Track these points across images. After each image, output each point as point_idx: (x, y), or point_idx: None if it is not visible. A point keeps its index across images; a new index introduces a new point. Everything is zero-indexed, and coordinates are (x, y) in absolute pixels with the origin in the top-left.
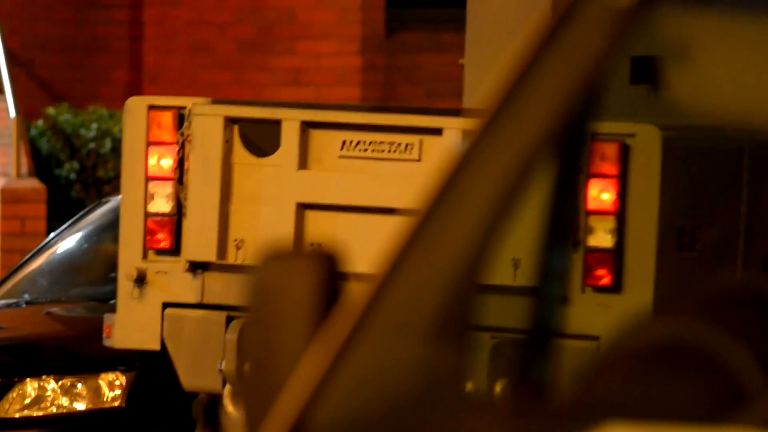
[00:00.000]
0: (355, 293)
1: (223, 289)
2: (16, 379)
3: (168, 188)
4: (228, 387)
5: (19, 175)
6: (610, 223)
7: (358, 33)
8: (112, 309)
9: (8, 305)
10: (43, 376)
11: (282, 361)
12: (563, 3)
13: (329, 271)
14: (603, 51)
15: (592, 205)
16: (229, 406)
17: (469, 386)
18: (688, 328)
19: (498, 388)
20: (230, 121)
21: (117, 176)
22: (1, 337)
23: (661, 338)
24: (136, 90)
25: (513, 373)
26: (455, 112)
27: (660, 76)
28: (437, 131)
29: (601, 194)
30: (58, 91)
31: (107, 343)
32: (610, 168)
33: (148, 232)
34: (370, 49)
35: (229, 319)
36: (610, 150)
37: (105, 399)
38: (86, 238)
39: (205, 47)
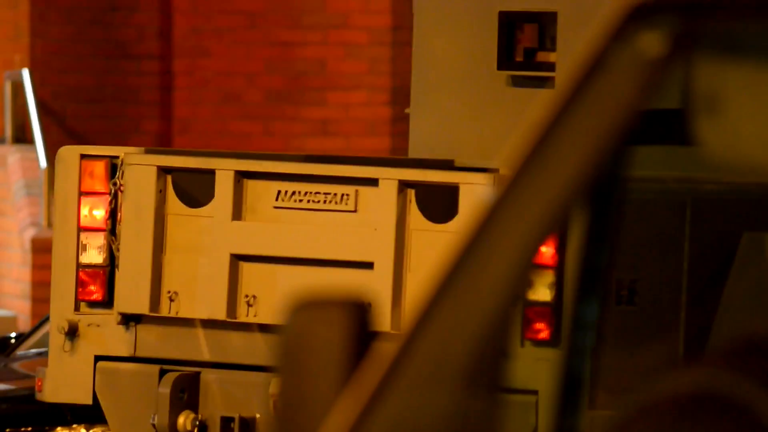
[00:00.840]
0: (387, 344)
1: (157, 341)
2: (47, 428)
3: (100, 239)
4: None
5: (49, 224)
6: (550, 276)
7: (388, 84)
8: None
9: (39, 354)
10: (74, 425)
11: (314, 410)
12: (594, 53)
13: (360, 320)
14: (634, 101)
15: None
16: None
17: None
18: (712, 377)
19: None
20: (163, 171)
21: None
22: (32, 386)
23: (686, 388)
24: (167, 140)
25: (550, 423)
26: (391, 162)
27: (689, 128)
28: (373, 181)
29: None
30: (89, 140)
31: (39, 396)
32: None
33: (80, 284)
34: (400, 100)
35: (162, 373)
36: None
37: None
38: None
39: (234, 97)
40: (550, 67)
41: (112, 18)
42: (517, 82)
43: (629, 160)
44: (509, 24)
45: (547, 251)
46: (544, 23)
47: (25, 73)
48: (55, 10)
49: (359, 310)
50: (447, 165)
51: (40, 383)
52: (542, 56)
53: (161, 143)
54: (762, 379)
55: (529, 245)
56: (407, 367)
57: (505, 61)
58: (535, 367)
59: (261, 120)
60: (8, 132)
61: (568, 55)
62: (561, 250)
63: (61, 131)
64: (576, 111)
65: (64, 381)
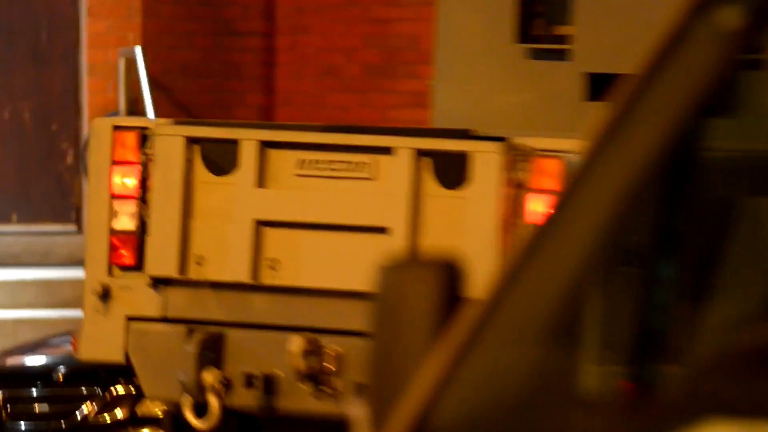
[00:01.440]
0: (475, 299)
1: (185, 303)
2: None
3: (132, 206)
4: (187, 396)
5: None
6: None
7: None
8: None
9: None
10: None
11: (405, 364)
12: (675, 27)
13: (450, 278)
14: (714, 71)
15: (529, 218)
16: (188, 415)
17: (580, 386)
18: None
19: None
20: (191, 141)
21: None
22: None
23: (747, 349)
24: (270, 112)
25: (619, 373)
26: (408, 132)
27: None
28: (388, 150)
29: (544, 207)
30: (196, 113)
31: (75, 355)
32: (554, 181)
33: (112, 249)
34: None
35: (189, 332)
36: (553, 164)
37: None
38: None
39: (333, 72)
40: (565, 40)
41: None
42: (537, 54)
43: (708, 131)
44: (528, 2)
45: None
46: (563, 4)
47: (138, 50)
48: None
49: (450, 271)
50: (461, 134)
51: (75, 343)
52: (559, 30)
53: (264, 116)
54: None
55: (612, 209)
56: (494, 325)
57: (525, 36)
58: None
59: (358, 93)
60: (122, 106)
61: (585, 29)
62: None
63: (171, 105)
64: (659, 82)
65: (97, 341)
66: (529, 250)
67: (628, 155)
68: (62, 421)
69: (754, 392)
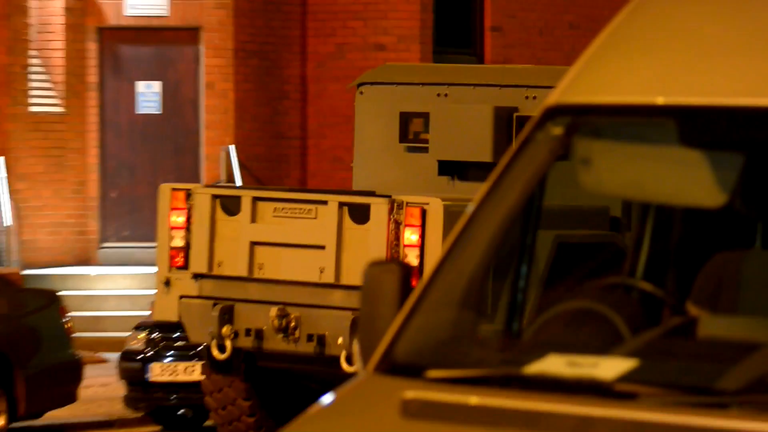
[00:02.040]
0: (422, 280)
1: (211, 288)
2: None
3: (182, 233)
4: (214, 341)
5: None
6: (416, 251)
7: None
8: None
9: None
10: None
11: (379, 327)
12: (525, 132)
13: (404, 272)
14: (548, 158)
15: (407, 242)
16: (214, 351)
17: (479, 332)
18: (591, 304)
19: (492, 331)
20: (214, 197)
21: None
22: None
23: (576, 308)
24: (304, 183)
25: (500, 324)
26: (335, 192)
27: (576, 173)
28: (325, 202)
29: (411, 236)
30: (265, 182)
31: (151, 317)
32: (417, 221)
33: (171, 257)
34: None
35: (214, 305)
36: (416, 211)
37: None
38: None
39: (337, 159)
40: (426, 141)
41: None
42: (410, 150)
43: (544, 192)
44: (406, 118)
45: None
46: (425, 117)
47: (232, 148)
48: None
49: (405, 268)
50: (368, 193)
51: (151, 311)
52: (423, 135)
53: (300, 185)
54: (608, 303)
55: (490, 234)
56: (428, 297)
57: (404, 138)
58: None
59: (349, 170)
60: (222, 177)
61: (436, 135)
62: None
63: (249, 177)
64: (515, 165)
65: (163, 309)
66: (446, 254)
67: (500, 202)
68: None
69: (570, 338)
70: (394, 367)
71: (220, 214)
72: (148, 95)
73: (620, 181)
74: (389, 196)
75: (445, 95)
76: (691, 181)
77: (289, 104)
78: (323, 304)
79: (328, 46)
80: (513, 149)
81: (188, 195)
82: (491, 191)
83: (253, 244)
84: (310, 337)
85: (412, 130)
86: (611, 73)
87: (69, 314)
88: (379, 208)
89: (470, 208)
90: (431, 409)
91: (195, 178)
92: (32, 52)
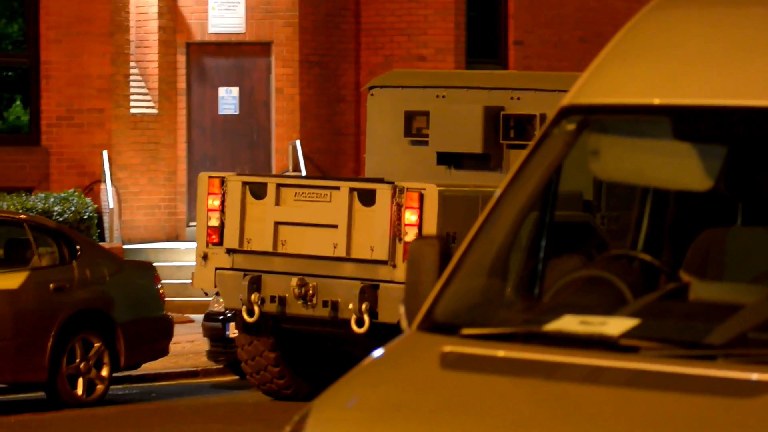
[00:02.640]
0: (457, 252)
1: (242, 261)
2: None
3: (217, 214)
4: (244, 307)
5: None
6: (415, 230)
7: None
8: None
9: None
10: None
11: (423, 288)
12: (543, 130)
13: (444, 245)
14: (563, 149)
15: (407, 221)
16: (244, 315)
17: (505, 296)
18: (599, 272)
19: (516, 295)
20: (244, 184)
21: None
22: None
23: (588, 275)
24: (358, 172)
25: (523, 289)
26: (347, 179)
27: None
28: (337, 188)
29: (411, 216)
30: (324, 171)
31: (192, 286)
32: (416, 204)
33: (208, 235)
34: None
35: (244, 276)
36: (415, 195)
37: None
38: None
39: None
40: (427, 136)
41: None
42: (414, 143)
43: (560, 180)
44: (410, 116)
45: (216, 203)
46: (426, 115)
47: (297, 142)
48: None
49: (444, 242)
50: (377, 180)
51: (191, 281)
52: (425, 131)
53: (353, 174)
54: (614, 271)
55: (514, 214)
56: (462, 267)
57: (408, 133)
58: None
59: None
60: (290, 167)
61: (436, 129)
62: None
63: (312, 168)
64: (535, 156)
65: (202, 279)
66: (477, 230)
67: (523, 186)
68: None
69: (582, 301)
70: (434, 325)
71: (249, 198)
72: (228, 99)
73: (623, 168)
74: (392, 183)
75: (443, 96)
76: (682, 168)
77: (345, 106)
78: (336, 275)
79: (378, 58)
80: (533, 143)
81: (222, 182)
82: (515, 178)
83: (277, 223)
84: (325, 303)
85: (415, 126)
86: (616, 78)
87: (161, 282)
88: (383, 193)
89: (497, 192)
90: (465, 361)
91: (267, 168)
92: (132, 64)
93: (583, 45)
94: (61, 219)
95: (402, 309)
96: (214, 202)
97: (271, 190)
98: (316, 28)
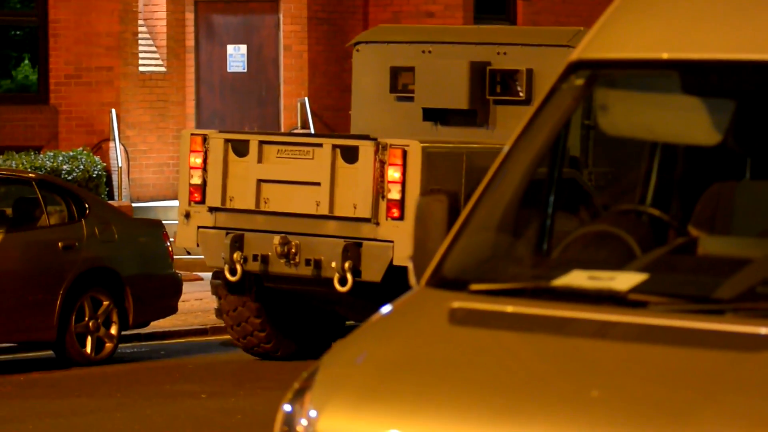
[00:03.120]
0: (465, 208)
1: (225, 219)
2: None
3: (199, 172)
4: (226, 265)
5: None
6: (398, 187)
7: None
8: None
9: None
10: None
11: (431, 244)
12: (552, 85)
13: (452, 201)
14: (572, 104)
15: (390, 179)
16: (226, 273)
17: (514, 252)
18: (608, 227)
19: (525, 250)
20: (226, 141)
21: None
22: None
23: (596, 231)
24: None
25: (531, 245)
26: (329, 136)
27: (596, 118)
28: (320, 145)
29: (394, 173)
30: (333, 128)
31: (175, 244)
32: (399, 161)
33: (190, 193)
34: None
35: (227, 234)
36: (398, 152)
37: None
38: None
39: None
40: (413, 92)
41: None
42: (400, 99)
43: (568, 135)
44: (396, 72)
45: (198, 161)
46: (411, 71)
47: (306, 99)
48: None
49: (453, 198)
50: (362, 137)
51: (174, 239)
52: (410, 87)
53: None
54: (622, 226)
55: (523, 169)
56: (471, 222)
57: (393, 89)
58: (392, 230)
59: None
60: (298, 126)
61: (421, 85)
62: (404, 173)
63: (321, 125)
64: (543, 111)
65: (184, 237)
66: (485, 185)
67: (532, 141)
68: None
69: (591, 256)
70: (442, 281)
71: (231, 155)
72: (236, 56)
73: (632, 123)
74: (375, 139)
75: (429, 52)
76: (691, 123)
77: None
78: (319, 233)
79: (386, 14)
80: (542, 97)
81: (204, 139)
82: (524, 133)
83: (260, 181)
84: (308, 262)
85: (400, 82)
86: (625, 32)
87: (170, 239)
88: (366, 150)
89: (506, 147)
90: (474, 316)
91: (276, 125)
92: (140, 22)
93: (590, 0)
94: (69, 177)
95: (410, 265)
96: (197, 160)
97: (253, 147)
98: None
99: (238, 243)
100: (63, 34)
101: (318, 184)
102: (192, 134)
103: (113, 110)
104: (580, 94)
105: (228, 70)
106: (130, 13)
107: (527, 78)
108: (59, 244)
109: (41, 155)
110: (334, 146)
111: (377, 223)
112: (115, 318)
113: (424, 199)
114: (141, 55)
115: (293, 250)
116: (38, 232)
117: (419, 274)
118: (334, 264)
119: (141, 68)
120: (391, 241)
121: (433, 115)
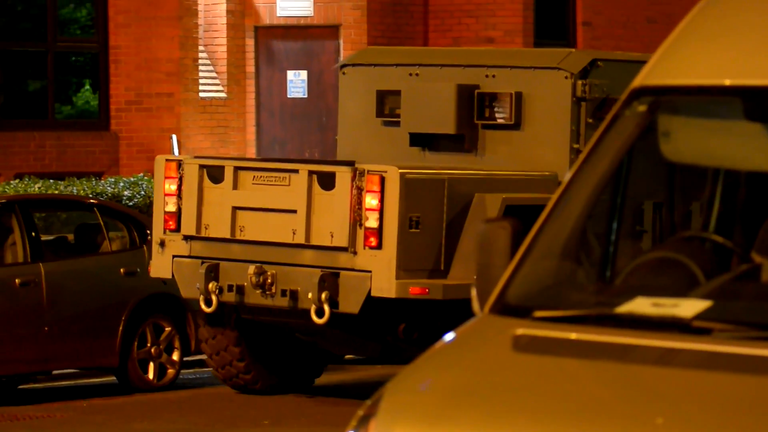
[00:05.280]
0: (529, 235)
1: (200, 248)
2: None
3: (174, 199)
4: (201, 296)
5: None
6: (376, 215)
7: None
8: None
9: None
10: None
11: (494, 271)
12: (614, 111)
13: (516, 227)
14: (635, 131)
15: (367, 206)
16: (202, 305)
17: (577, 279)
18: (671, 254)
19: (588, 277)
20: (201, 167)
21: None
22: None
23: (659, 257)
24: None
25: (594, 272)
26: (305, 161)
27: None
28: (296, 171)
29: (372, 201)
30: None
31: (149, 274)
32: (377, 187)
33: (165, 221)
34: None
35: (202, 263)
36: (376, 178)
37: None
38: None
39: None
40: (399, 116)
41: None
42: (386, 124)
43: (633, 161)
44: (382, 95)
45: (173, 188)
46: (398, 94)
47: None
48: None
49: (516, 225)
50: (336, 162)
51: (150, 269)
52: (397, 111)
53: None
54: (686, 253)
55: (586, 196)
56: (534, 248)
57: (380, 113)
58: (370, 259)
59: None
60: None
61: (408, 111)
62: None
63: None
64: (606, 137)
65: (159, 268)
66: (549, 212)
67: (594, 168)
68: None
69: (655, 282)
70: (506, 308)
71: (206, 182)
72: (296, 82)
73: (695, 149)
74: (352, 164)
75: (417, 75)
76: (754, 149)
77: None
78: (296, 262)
79: (446, 40)
80: (604, 124)
81: (179, 165)
82: (586, 159)
83: (235, 208)
84: (284, 293)
85: (387, 106)
86: (687, 58)
87: None
88: (343, 176)
89: (568, 174)
90: (538, 343)
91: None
92: (200, 48)
93: (651, 26)
94: (131, 203)
95: (473, 292)
96: (171, 186)
97: (228, 173)
98: (384, 10)
99: (213, 273)
100: (123, 60)
101: (294, 211)
102: (167, 160)
103: (174, 136)
104: (642, 121)
105: (288, 96)
106: (190, 39)
107: (516, 101)
108: (121, 270)
109: (102, 181)
110: (311, 172)
111: (355, 252)
112: (177, 344)
113: (487, 225)
114: (201, 81)
115: (269, 281)
116: (100, 258)
117: (483, 300)
118: (310, 295)
119: (201, 94)
120: (369, 271)
121: (420, 140)
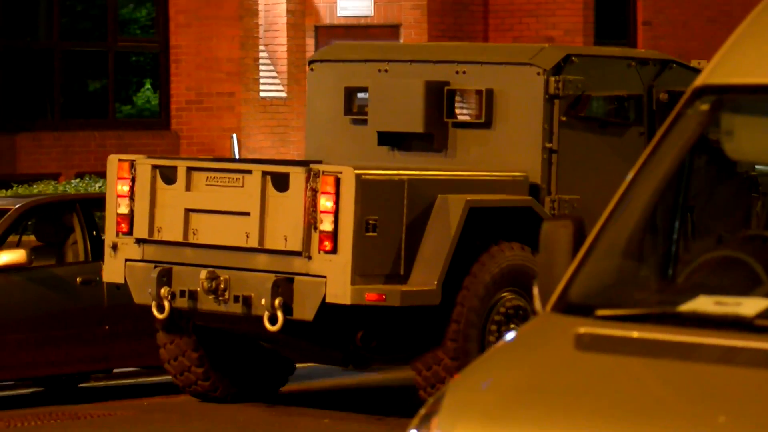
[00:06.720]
0: (591, 233)
1: (152, 252)
2: None
3: (126, 201)
4: (154, 302)
5: None
6: (331, 218)
7: None
8: None
9: None
10: None
11: (556, 270)
12: (677, 110)
13: (578, 226)
14: (697, 130)
15: (322, 208)
16: (154, 311)
17: (640, 277)
18: (734, 252)
19: (650, 276)
20: (154, 167)
21: None
22: None
23: (722, 256)
24: None
25: (657, 270)
26: (259, 161)
27: (721, 144)
28: (250, 171)
29: (326, 203)
30: None
31: (102, 278)
32: (331, 189)
33: (117, 224)
34: None
35: (154, 267)
36: (331, 179)
37: None
38: None
39: None
40: (366, 113)
41: None
42: (355, 122)
43: (696, 158)
44: (350, 92)
45: (125, 189)
46: (366, 91)
47: None
48: None
49: (579, 222)
50: (290, 162)
51: (101, 272)
52: (366, 108)
53: None
54: (749, 252)
55: (649, 194)
56: (597, 248)
57: (348, 110)
58: (324, 263)
59: None
60: None
61: (375, 109)
62: (337, 203)
63: None
64: (668, 136)
65: (111, 271)
66: (611, 210)
67: (657, 167)
68: None
69: (717, 281)
70: (568, 307)
71: (159, 183)
72: None
73: (758, 148)
74: (306, 165)
75: (386, 71)
76: None
77: None
78: (249, 267)
79: (506, 39)
80: (666, 123)
81: (132, 165)
82: (649, 158)
83: (188, 211)
84: (236, 298)
85: (355, 104)
86: (749, 58)
87: None
88: (297, 177)
89: (631, 173)
90: (600, 342)
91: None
92: (261, 47)
93: (711, 25)
94: None
95: (535, 290)
96: (124, 188)
97: (181, 174)
98: (444, 9)
99: (165, 278)
100: (184, 60)
101: (248, 214)
102: (119, 159)
103: (234, 135)
104: (705, 120)
105: None
106: (250, 39)
107: (487, 99)
108: None
109: None
110: (264, 173)
111: (309, 257)
112: None
113: (549, 224)
114: (262, 80)
115: (222, 286)
116: None
117: (544, 299)
118: (263, 301)
119: (262, 94)
120: (324, 276)
121: (388, 139)
